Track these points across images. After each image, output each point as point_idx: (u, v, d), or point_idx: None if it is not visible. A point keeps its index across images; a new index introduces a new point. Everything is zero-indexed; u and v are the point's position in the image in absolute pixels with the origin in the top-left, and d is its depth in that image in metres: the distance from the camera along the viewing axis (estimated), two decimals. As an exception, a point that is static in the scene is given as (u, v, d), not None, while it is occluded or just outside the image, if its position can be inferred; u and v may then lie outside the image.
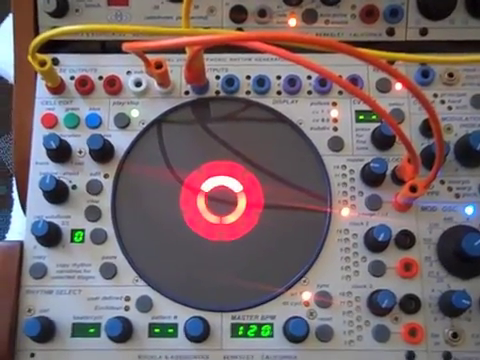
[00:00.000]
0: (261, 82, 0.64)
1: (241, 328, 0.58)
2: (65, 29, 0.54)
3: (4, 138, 1.48)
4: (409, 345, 0.57)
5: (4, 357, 0.57)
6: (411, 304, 0.58)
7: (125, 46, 0.53)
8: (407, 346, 0.57)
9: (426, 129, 0.62)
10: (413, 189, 0.57)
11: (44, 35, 0.54)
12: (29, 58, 0.58)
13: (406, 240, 0.59)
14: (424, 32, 0.66)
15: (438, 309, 0.58)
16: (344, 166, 0.62)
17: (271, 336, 0.58)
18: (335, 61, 0.60)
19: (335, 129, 0.63)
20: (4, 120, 1.46)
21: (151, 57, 0.58)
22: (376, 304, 0.56)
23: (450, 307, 0.56)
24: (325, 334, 0.57)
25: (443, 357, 0.57)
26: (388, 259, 0.59)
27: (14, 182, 0.77)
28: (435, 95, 0.64)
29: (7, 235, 0.78)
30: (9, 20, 0.81)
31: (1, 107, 1.44)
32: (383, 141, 0.62)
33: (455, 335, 0.57)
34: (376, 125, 0.62)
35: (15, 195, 0.75)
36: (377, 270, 0.59)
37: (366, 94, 0.61)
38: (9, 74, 0.79)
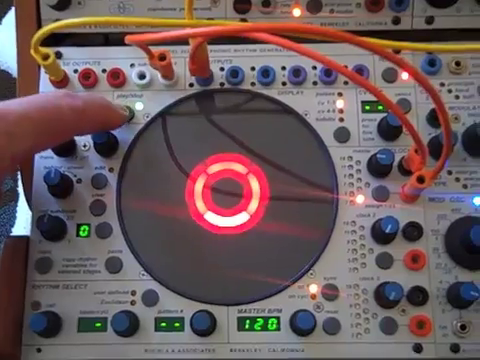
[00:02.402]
0: (266, 73, 0.63)
1: (247, 322, 0.58)
2: (68, 22, 0.54)
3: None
4: (417, 337, 0.57)
5: (11, 352, 0.57)
6: (419, 296, 0.57)
7: (128, 38, 0.53)
8: (415, 338, 0.57)
9: (433, 119, 0.61)
10: (420, 180, 0.56)
11: (46, 28, 0.54)
12: (32, 52, 0.57)
13: (414, 232, 0.59)
14: (430, 21, 0.65)
15: (446, 301, 0.57)
16: (350, 157, 0.61)
17: (278, 329, 0.57)
18: (340, 51, 0.60)
19: (341, 120, 0.63)
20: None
21: (155, 49, 0.58)
22: (383, 296, 0.55)
23: (458, 299, 0.56)
24: (332, 327, 0.57)
25: (451, 349, 0.57)
26: (395, 251, 0.58)
27: (19, 176, 0.77)
28: (442, 84, 0.63)
29: (13, 229, 0.78)
30: (12, 14, 0.81)
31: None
32: (390, 132, 0.61)
33: (463, 327, 0.57)
34: (382, 115, 0.61)
35: (20, 189, 0.75)
36: (384, 262, 0.58)
37: (372, 84, 0.60)
38: (11, 67, 0.79)
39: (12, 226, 0.83)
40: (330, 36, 0.44)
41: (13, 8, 0.73)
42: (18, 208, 0.79)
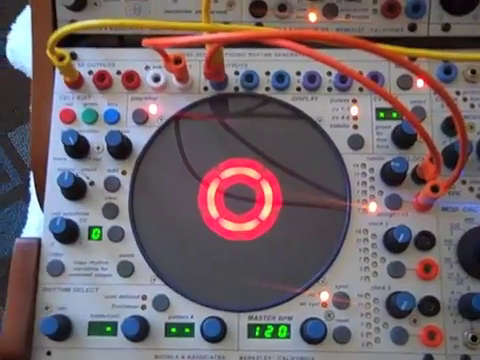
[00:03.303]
0: (280, 78, 0.63)
1: (258, 328, 0.57)
2: (85, 23, 0.54)
3: (18, 130, 1.49)
4: (427, 348, 0.56)
5: (21, 355, 0.57)
6: (430, 306, 0.57)
7: (145, 42, 0.53)
8: (425, 349, 0.56)
9: (448, 127, 0.61)
10: (434, 189, 0.56)
11: (63, 29, 0.54)
12: (48, 52, 0.57)
13: (426, 241, 0.59)
14: (447, 28, 0.65)
15: (457, 312, 0.57)
16: (364, 165, 0.61)
17: (288, 337, 0.57)
18: (356, 57, 0.59)
19: (355, 127, 0.62)
20: (19, 112, 1.48)
21: (170, 52, 0.58)
22: (395, 306, 0.55)
23: (469, 310, 0.56)
24: (343, 336, 0.57)
25: (462, 360, 0.57)
26: (407, 260, 0.58)
27: (31, 177, 0.77)
28: (458, 92, 0.63)
29: (24, 230, 0.78)
30: (25, 13, 0.80)
31: (15, 100, 1.45)
32: (404, 140, 0.61)
33: (474, 338, 0.56)
34: (397, 123, 0.61)
35: (32, 190, 0.75)
36: (396, 271, 0.58)
37: (387, 92, 0.60)
38: (26, 67, 0.79)
39: (21, 225, 0.83)
40: (346, 43, 0.44)
41: (28, 7, 0.73)
42: (29, 209, 0.78)
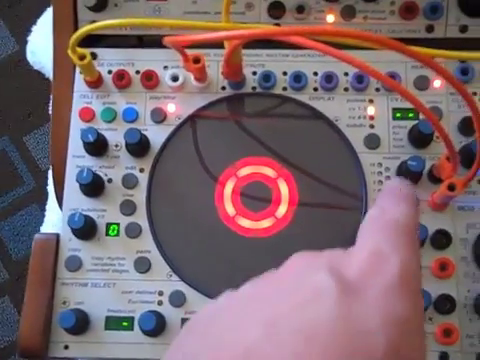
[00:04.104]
0: (298, 78, 0.64)
1: None
2: (107, 23, 0.55)
3: (33, 134, 1.50)
4: (443, 346, 0.56)
5: (39, 349, 0.57)
6: (446, 304, 0.57)
7: (166, 40, 0.54)
8: (441, 347, 0.56)
9: (465, 127, 0.61)
10: (451, 188, 0.56)
11: (85, 29, 0.55)
12: (69, 52, 0.58)
13: (442, 240, 0.59)
14: (464, 29, 0.65)
15: (473, 310, 0.57)
16: (380, 164, 0.62)
17: (304, 333, 0.57)
18: (372, 58, 0.59)
19: (371, 126, 0.63)
20: (34, 117, 1.49)
21: (189, 52, 0.58)
22: (411, 304, 0.55)
23: (486, 308, 0.56)
24: (359, 333, 0.57)
25: (477, 358, 0.56)
26: (423, 258, 0.58)
27: (49, 175, 0.78)
28: (474, 93, 0.63)
29: (41, 228, 0.79)
30: (45, 16, 0.82)
31: (30, 105, 1.48)
32: (420, 139, 0.61)
33: (491, 337, 0.56)
34: (413, 123, 0.62)
35: (49, 188, 0.75)
36: (412, 269, 0.58)
37: (407, 90, 0.60)
38: (46, 68, 0.80)
39: (35, 227, 0.83)
40: (374, 42, 0.44)
41: (48, 9, 0.74)
42: (47, 206, 0.79)
